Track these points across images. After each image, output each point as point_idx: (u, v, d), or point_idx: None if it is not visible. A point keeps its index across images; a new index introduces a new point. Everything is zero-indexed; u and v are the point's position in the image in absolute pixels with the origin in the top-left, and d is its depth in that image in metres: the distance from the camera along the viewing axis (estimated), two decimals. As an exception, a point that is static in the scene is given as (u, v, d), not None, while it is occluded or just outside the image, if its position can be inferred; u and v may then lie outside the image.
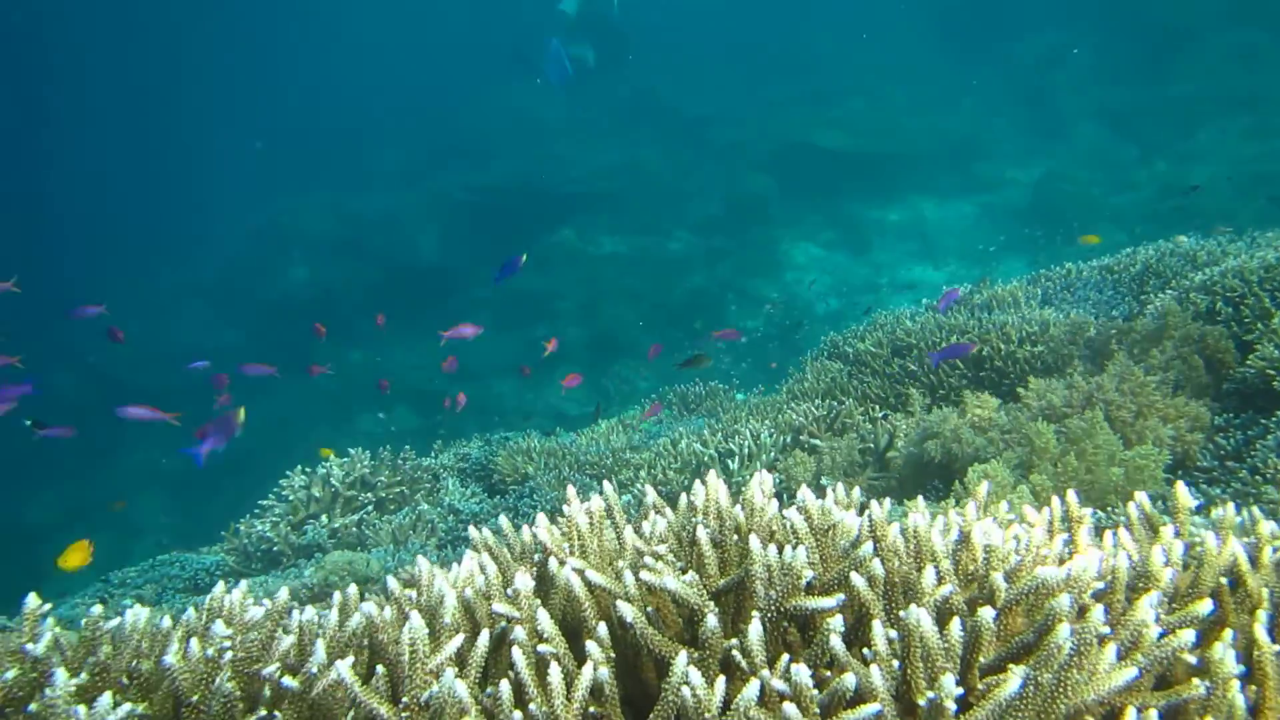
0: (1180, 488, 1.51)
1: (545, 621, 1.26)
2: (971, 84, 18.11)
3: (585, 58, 15.54)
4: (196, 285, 16.38)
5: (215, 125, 24.13)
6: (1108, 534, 1.40)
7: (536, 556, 1.48)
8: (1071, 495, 1.45)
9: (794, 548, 1.23)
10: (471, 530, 1.54)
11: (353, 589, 1.45)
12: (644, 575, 1.27)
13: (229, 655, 1.29)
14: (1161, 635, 1.17)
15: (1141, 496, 1.51)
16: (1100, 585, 1.25)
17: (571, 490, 1.48)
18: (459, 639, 1.24)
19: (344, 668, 1.17)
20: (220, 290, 15.95)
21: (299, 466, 3.88)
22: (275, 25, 27.86)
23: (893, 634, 1.17)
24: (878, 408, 3.77)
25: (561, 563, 1.37)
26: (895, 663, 1.13)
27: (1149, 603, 1.16)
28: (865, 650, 1.19)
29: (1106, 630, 1.11)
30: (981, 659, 1.15)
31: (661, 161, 16.55)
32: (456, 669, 1.19)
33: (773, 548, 1.26)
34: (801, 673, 1.11)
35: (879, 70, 18.96)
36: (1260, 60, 16.58)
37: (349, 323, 14.95)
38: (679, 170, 16.60)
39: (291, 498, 3.60)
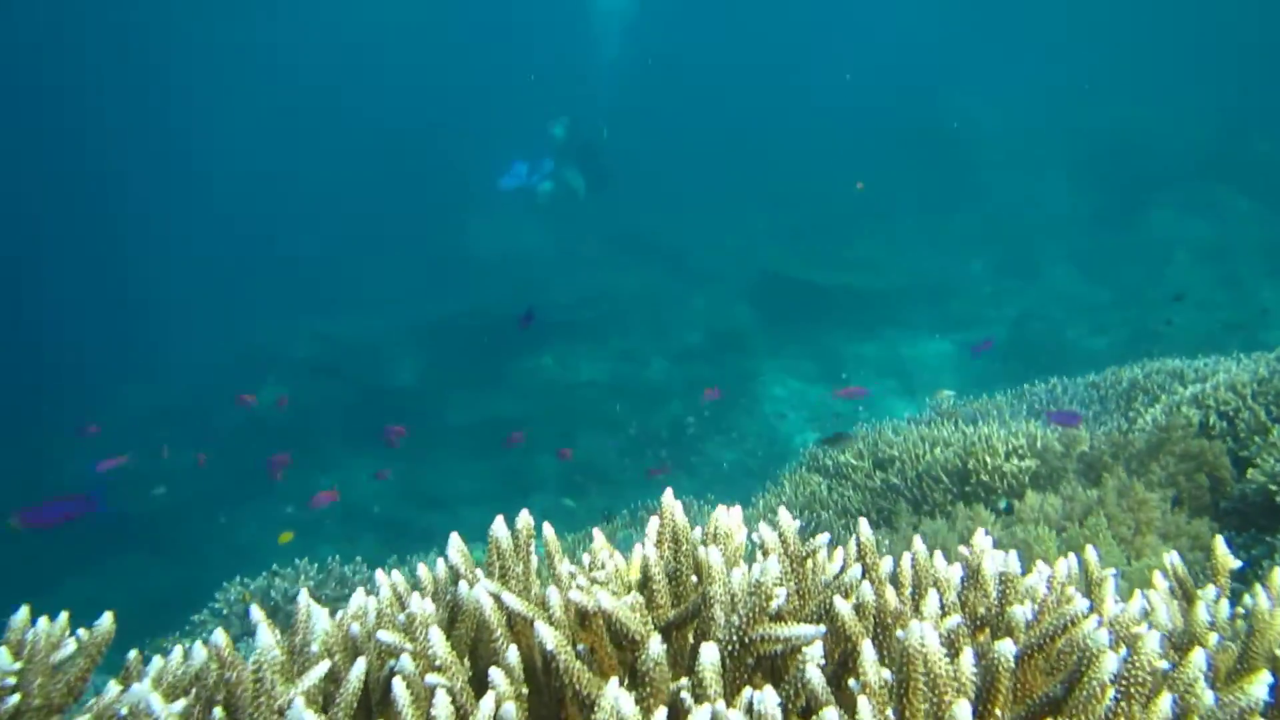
0: (1220, 544, 1.28)
1: (438, 645, 1.01)
2: (947, 223, 18.61)
3: (575, 184, 15.84)
4: (165, 409, 16.07)
5: (195, 246, 24.35)
6: (1136, 594, 1.17)
7: (449, 591, 1.24)
8: (1091, 552, 1.22)
9: (764, 559, 1.00)
10: (378, 574, 1.31)
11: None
12: (573, 595, 1.03)
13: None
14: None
15: (1173, 557, 1.29)
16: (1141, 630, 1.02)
17: (499, 520, 1.26)
18: (322, 667, 0.98)
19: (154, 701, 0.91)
20: (190, 413, 15.63)
21: (237, 578, 3.54)
22: (260, 142, 28.61)
23: (886, 674, 0.92)
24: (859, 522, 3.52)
25: (472, 584, 1.13)
26: (888, 703, 0.87)
27: (1200, 658, 0.92)
28: (851, 681, 0.94)
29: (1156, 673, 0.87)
30: (998, 712, 0.89)
31: (642, 290, 16.70)
32: (316, 706, 0.93)
33: (738, 569, 1.03)
34: (768, 701, 0.85)
35: (859, 206, 19.49)
36: (1226, 212, 17.21)
37: (319, 447, 14.63)
38: (659, 299, 16.73)
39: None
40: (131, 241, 24.87)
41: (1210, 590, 1.18)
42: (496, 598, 1.09)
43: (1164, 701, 0.86)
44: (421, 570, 1.33)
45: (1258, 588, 1.15)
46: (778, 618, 1.03)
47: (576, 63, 28.53)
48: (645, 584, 1.11)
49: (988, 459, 3.46)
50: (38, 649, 1.18)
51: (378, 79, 31.87)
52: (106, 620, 1.16)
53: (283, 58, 30.81)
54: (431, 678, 1.00)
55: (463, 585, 1.13)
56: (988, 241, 17.96)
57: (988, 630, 1.07)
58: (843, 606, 0.99)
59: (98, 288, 22.63)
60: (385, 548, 12.96)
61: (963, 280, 16.76)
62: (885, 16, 30.75)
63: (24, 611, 1.21)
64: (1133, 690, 0.87)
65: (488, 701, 0.92)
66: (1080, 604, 0.98)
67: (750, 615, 1.00)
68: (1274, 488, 2.92)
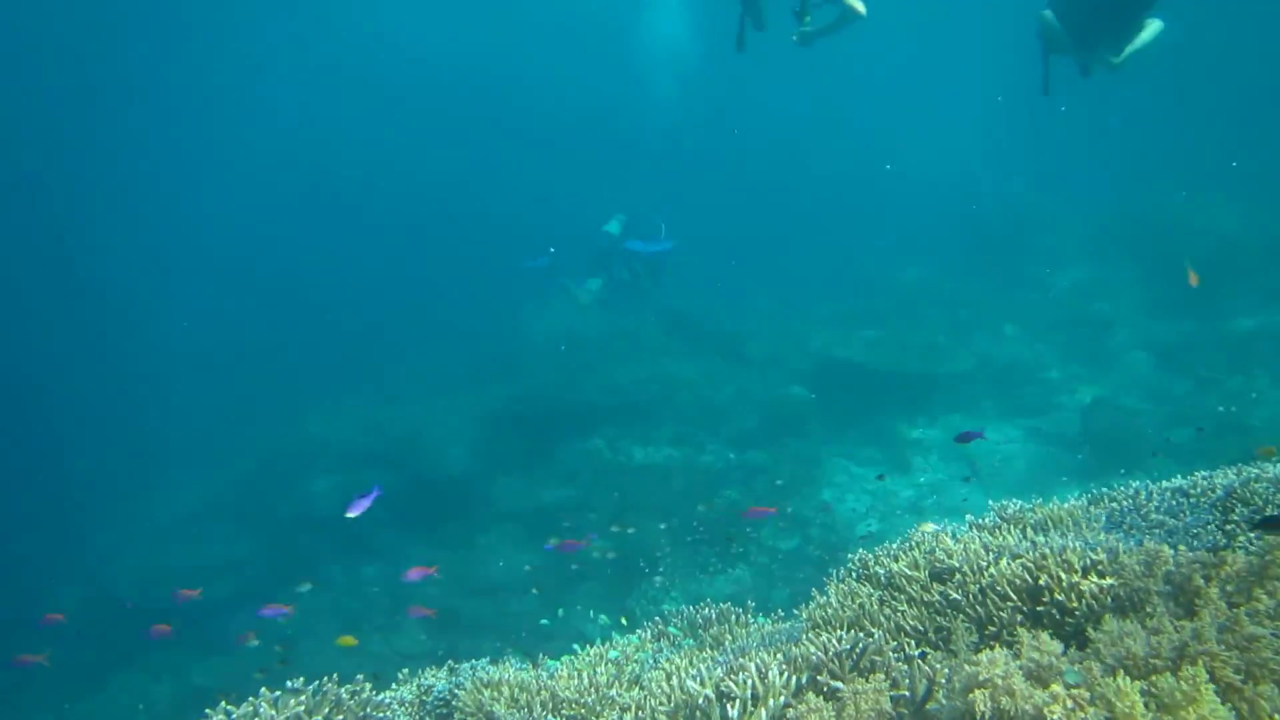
0: None
1: None
2: (1013, 310, 18.08)
3: (625, 278, 15.85)
4: (216, 504, 16.15)
5: (245, 332, 24.87)
6: None
7: None
8: None
9: None
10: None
11: None
12: None
13: None
14: None
15: None
16: None
17: None
18: None
19: None
20: (239, 505, 15.68)
21: (221, 703, 3.29)
22: (314, 226, 29.38)
23: None
24: (913, 643, 3.13)
25: None
26: None
27: None
28: None
29: None
30: None
31: (696, 374, 16.44)
32: None
33: None
34: None
35: (918, 289, 19.09)
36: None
37: (368, 535, 14.47)
38: (714, 383, 16.44)
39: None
40: (182, 322, 25.54)
41: None
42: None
43: None
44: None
45: None
46: None
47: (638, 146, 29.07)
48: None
49: (1062, 574, 3.06)
50: None
51: (435, 162, 32.81)
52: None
53: (341, 133, 31.85)
54: None
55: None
56: (1055, 328, 17.36)
57: None
58: None
59: (150, 373, 23.17)
60: (433, 638, 12.68)
61: (1031, 367, 16.14)
62: (952, 106, 30.75)
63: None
64: None
65: None
66: None
67: None
68: None
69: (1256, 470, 3.72)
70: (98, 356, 24.77)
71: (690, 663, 3.09)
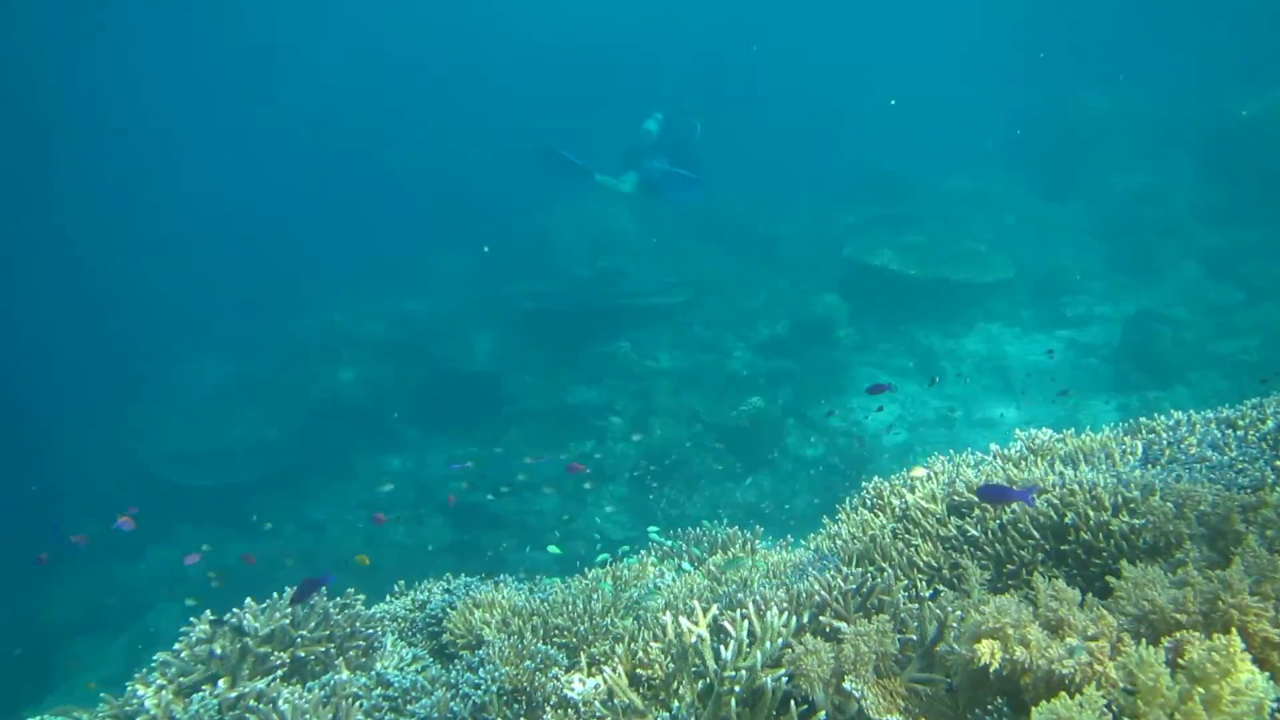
0: None
1: None
2: (1059, 216, 17.38)
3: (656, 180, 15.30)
4: (250, 379, 16.28)
5: (282, 222, 24.78)
6: None
7: None
8: None
9: None
10: None
11: None
12: None
13: None
14: None
15: None
16: None
17: None
18: None
19: None
20: (270, 388, 15.79)
21: (206, 612, 3.21)
22: (344, 123, 28.96)
23: None
24: (925, 582, 2.95)
25: None
26: None
27: None
28: None
29: None
30: None
31: (728, 278, 16.11)
32: None
33: None
34: None
35: (961, 196, 18.42)
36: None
37: (393, 428, 14.58)
38: (745, 287, 16.11)
39: (186, 654, 2.92)
40: (208, 219, 25.50)
41: None
42: None
43: None
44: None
45: None
46: None
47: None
48: None
49: (1090, 512, 2.84)
50: None
51: (470, 64, 32.00)
52: None
53: (375, 43, 31.17)
54: None
55: None
56: (1103, 236, 16.67)
57: None
58: None
59: (180, 259, 23.24)
60: (454, 530, 12.85)
61: (1074, 275, 15.57)
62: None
63: None
64: None
65: None
66: None
67: None
68: None
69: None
70: (137, 239, 24.90)
71: (690, 592, 2.95)
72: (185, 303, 20.49)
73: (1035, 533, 2.89)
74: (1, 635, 11.81)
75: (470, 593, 3.33)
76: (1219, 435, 3.17)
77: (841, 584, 2.64)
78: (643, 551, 4.03)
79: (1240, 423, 3.30)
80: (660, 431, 13.07)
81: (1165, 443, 3.20)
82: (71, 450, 15.41)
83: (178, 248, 24.06)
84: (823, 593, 2.65)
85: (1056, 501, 2.91)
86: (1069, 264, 15.88)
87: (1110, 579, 2.47)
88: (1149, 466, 3.10)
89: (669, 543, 4.07)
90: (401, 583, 3.87)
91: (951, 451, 3.63)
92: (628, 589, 3.32)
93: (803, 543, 3.48)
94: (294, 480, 13.94)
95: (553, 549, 9.02)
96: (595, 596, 3.08)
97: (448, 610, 3.21)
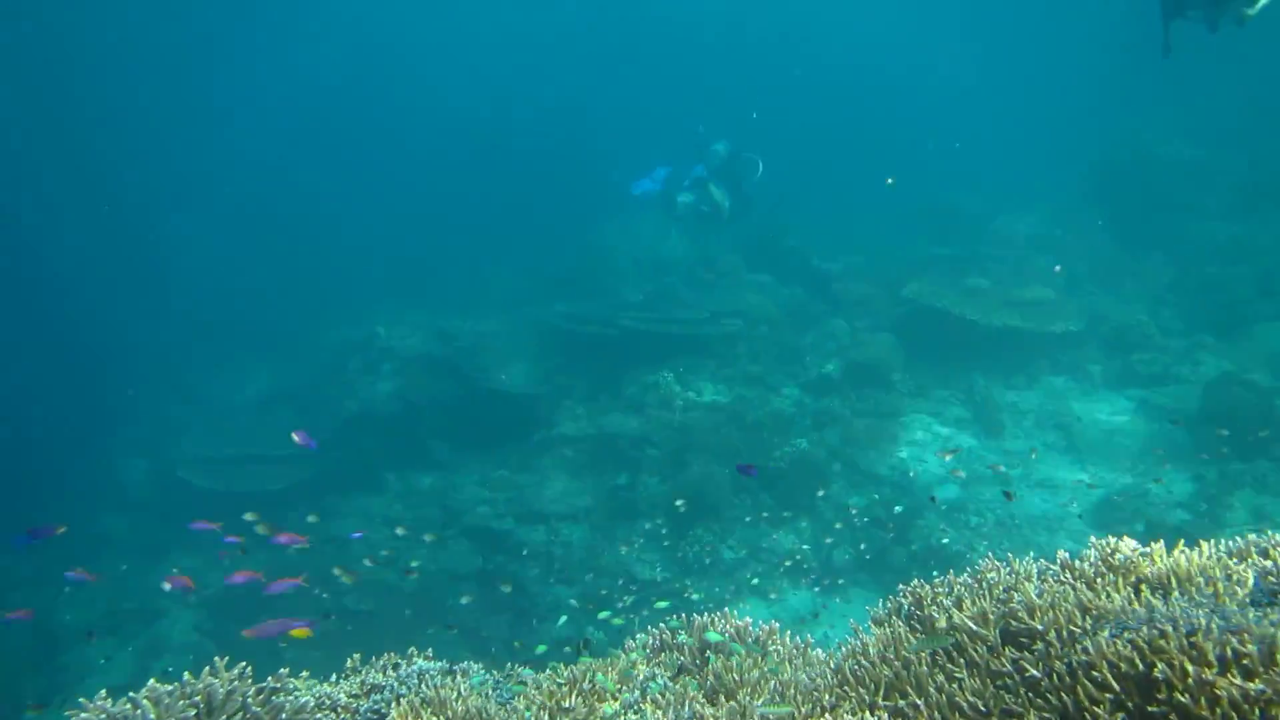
0: None
1: None
2: (1138, 268, 16.43)
3: (722, 202, 14.81)
4: (286, 387, 16.12)
5: (325, 235, 24.83)
6: None
7: None
8: None
9: None
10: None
11: None
12: None
13: None
14: None
15: None
16: None
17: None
18: None
19: None
20: (304, 397, 15.60)
21: (102, 692, 2.74)
22: (398, 130, 29.04)
23: None
24: (968, 735, 2.35)
25: None
26: None
27: None
28: None
29: None
30: None
31: (779, 311, 15.49)
32: None
33: None
34: None
35: (1030, 239, 17.58)
36: None
37: (425, 445, 14.22)
38: (798, 323, 15.48)
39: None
40: (260, 226, 25.66)
41: None
42: None
43: None
44: None
45: None
46: None
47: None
48: None
49: (1188, 665, 2.21)
50: None
51: (524, 82, 31.98)
52: None
53: (431, 56, 31.31)
54: None
55: None
56: (1184, 291, 15.68)
57: None
58: None
59: (233, 262, 23.35)
60: (479, 556, 12.39)
61: (1150, 332, 14.62)
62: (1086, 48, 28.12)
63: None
64: None
65: None
66: None
67: None
68: None
69: None
70: (186, 235, 25.16)
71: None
72: (233, 306, 20.52)
73: (1115, 683, 2.28)
74: (16, 634, 11.64)
75: (423, 685, 2.82)
76: (1358, 570, 2.51)
77: (859, 740, 2.06)
78: (630, 642, 3.46)
79: (1381, 553, 2.64)
80: (698, 468, 12.49)
81: (1285, 574, 2.55)
82: (103, 445, 15.36)
83: (230, 250, 24.22)
84: (834, 751, 2.07)
85: (1144, 645, 2.30)
86: (1145, 318, 14.94)
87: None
88: (1264, 608, 2.46)
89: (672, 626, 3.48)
90: (357, 656, 3.38)
91: (1010, 555, 3.01)
92: (610, 696, 2.77)
93: (834, 632, 2.89)
94: (320, 492, 13.65)
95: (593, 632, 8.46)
96: (567, 703, 2.55)
97: (392, 706, 2.71)
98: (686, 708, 2.50)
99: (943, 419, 13.40)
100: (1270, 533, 2.89)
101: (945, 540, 11.05)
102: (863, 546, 11.19)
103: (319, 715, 2.75)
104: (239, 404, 15.96)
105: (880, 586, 10.87)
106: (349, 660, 3.37)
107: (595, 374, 14.45)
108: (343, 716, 2.81)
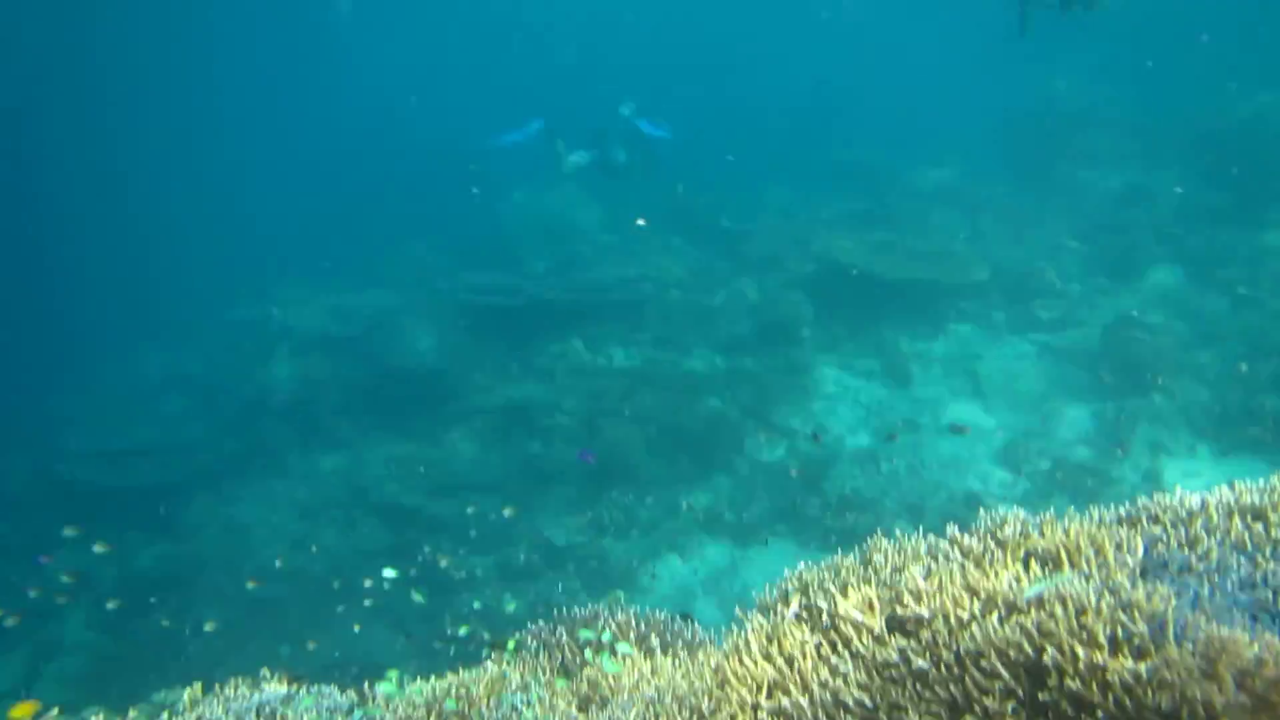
0: None
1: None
2: (1039, 215, 16.68)
3: (619, 160, 14.51)
4: (178, 372, 15.36)
5: (213, 211, 23.73)
6: None
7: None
8: None
9: None
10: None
11: None
12: None
13: None
14: None
15: None
16: None
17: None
18: None
19: None
20: (198, 382, 14.88)
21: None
22: (288, 104, 27.86)
23: None
24: (853, 736, 2.19)
25: None
26: None
27: None
28: None
29: None
30: None
31: (688, 272, 15.32)
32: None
33: None
34: None
35: (937, 192, 17.69)
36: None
37: (329, 424, 13.71)
38: (708, 284, 15.32)
39: None
40: (150, 203, 24.40)
41: None
42: None
43: None
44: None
45: None
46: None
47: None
48: None
49: (1078, 649, 2.08)
50: None
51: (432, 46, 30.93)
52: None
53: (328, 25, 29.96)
54: None
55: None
56: (1082, 236, 16.01)
57: None
58: None
59: (117, 248, 22.12)
60: (390, 533, 11.99)
61: (1050, 277, 14.90)
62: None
63: None
64: None
65: None
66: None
67: None
68: None
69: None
70: (75, 219, 23.73)
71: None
72: (122, 290, 19.43)
73: (1004, 671, 2.13)
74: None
75: (264, 706, 2.54)
76: (1250, 534, 2.42)
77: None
78: (522, 638, 3.22)
79: (1270, 514, 2.55)
80: (611, 433, 12.31)
81: (1175, 542, 2.44)
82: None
83: (116, 229, 22.90)
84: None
85: (1032, 629, 2.15)
86: (1045, 265, 15.21)
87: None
88: (1154, 581, 2.34)
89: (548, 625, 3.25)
90: (198, 686, 3.07)
91: (899, 533, 2.85)
92: (477, 709, 2.54)
93: (753, 581, 2.70)
94: (220, 480, 13.06)
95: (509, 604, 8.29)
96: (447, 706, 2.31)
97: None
98: (556, 723, 2.29)
99: (854, 371, 13.47)
100: (1163, 498, 2.80)
101: (858, 486, 11.16)
102: (778, 499, 11.22)
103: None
104: (128, 392, 15.13)
105: (796, 537, 10.93)
106: (187, 692, 3.06)
107: (504, 345, 14.10)
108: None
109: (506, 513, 10.32)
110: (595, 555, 10.53)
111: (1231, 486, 2.82)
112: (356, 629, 9.45)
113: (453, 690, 2.59)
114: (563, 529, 11.53)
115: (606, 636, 3.04)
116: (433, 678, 2.89)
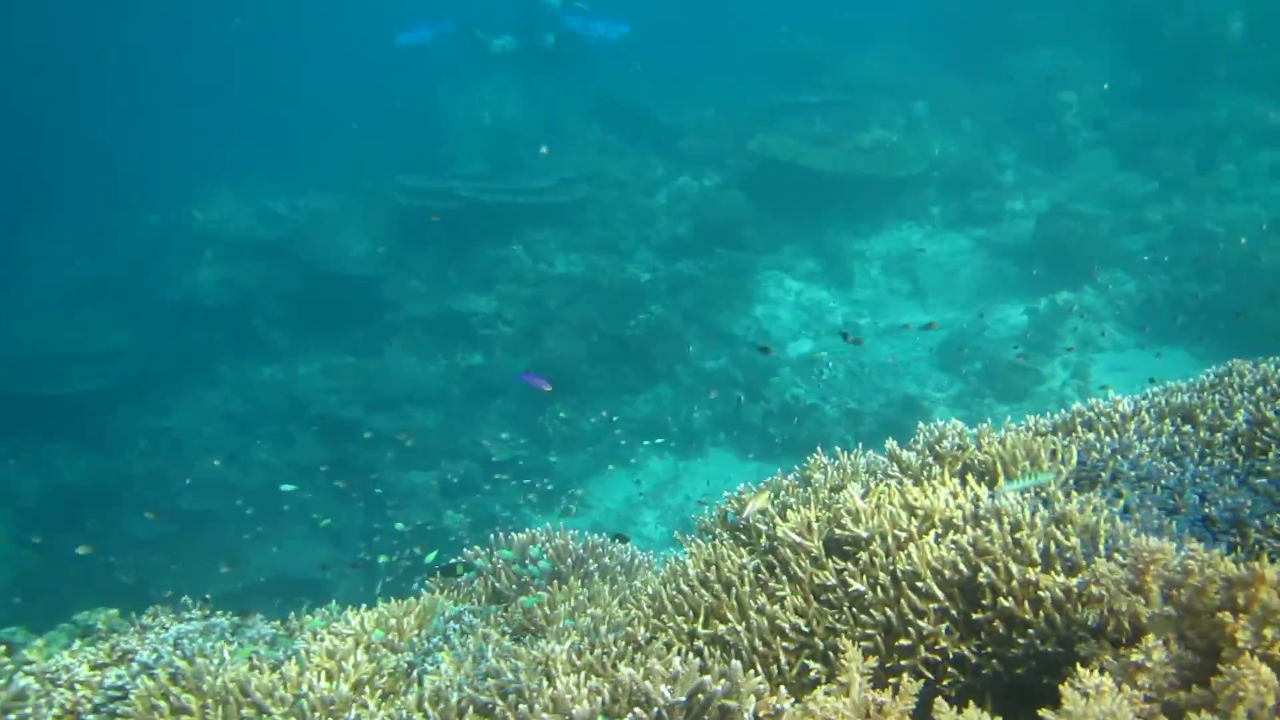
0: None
1: None
2: (972, 102, 16.55)
3: (546, 46, 14.02)
4: (97, 278, 14.73)
5: (141, 104, 22.43)
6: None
7: None
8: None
9: None
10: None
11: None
12: None
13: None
14: None
15: None
16: None
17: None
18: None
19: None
20: (120, 288, 14.29)
21: None
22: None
23: None
24: (792, 662, 2.18)
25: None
26: None
27: None
28: None
29: None
30: None
31: (628, 172, 14.97)
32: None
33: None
34: None
35: (874, 80, 17.39)
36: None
37: (264, 334, 13.36)
38: (648, 184, 15.03)
39: None
40: (67, 100, 22.93)
41: None
42: None
43: None
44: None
45: None
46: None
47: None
48: None
49: (1012, 566, 2.08)
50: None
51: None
52: None
53: None
54: None
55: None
56: (1015, 122, 15.97)
57: None
58: None
59: (33, 146, 20.82)
60: (328, 448, 11.78)
61: (986, 168, 14.91)
62: None
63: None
64: None
65: None
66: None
67: None
68: None
69: (1277, 371, 2.71)
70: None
71: (466, 671, 2.12)
72: (34, 187, 18.37)
73: (939, 592, 2.13)
74: None
75: (180, 648, 2.45)
76: (1176, 441, 2.43)
77: (664, 696, 1.84)
78: (451, 569, 3.16)
79: (1200, 415, 2.57)
80: (553, 344, 12.18)
81: (1108, 449, 2.44)
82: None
83: (30, 126, 21.48)
84: (639, 713, 1.84)
85: (968, 547, 2.15)
86: (982, 155, 15.20)
87: (1062, 688, 1.72)
88: (1087, 490, 2.35)
89: (480, 562, 3.19)
90: (113, 613, 2.95)
91: (839, 450, 2.82)
92: (409, 640, 2.49)
93: (694, 492, 2.67)
94: (147, 390, 12.67)
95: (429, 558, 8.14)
96: (351, 661, 2.25)
97: (140, 680, 2.33)
98: (488, 655, 2.25)
99: (795, 274, 13.46)
100: (1098, 402, 2.80)
101: (799, 392, 11.23)
102: (719, 408, 11.26)
103: (41, 703, 2.33)
104: (45, 298, 14.50)
105: (737, 445, 11.04)
106: (102, 619, 2.94)
107: (441, 250, 13.74)
108: (80, 694, 2.41)
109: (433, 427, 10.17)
110: (539, 470, 10.49)
111: (1164, 387, 2.83)
112: (276, 551, 9.38)
113: (381, 620, 2.53)
114: (505, 443, 11.46)
115: (545, 564, 2.99)
116: (363, 607, 2.83)
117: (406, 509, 10.21)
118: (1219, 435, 2.43)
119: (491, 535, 3.32)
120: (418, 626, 2.60)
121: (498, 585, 3.06)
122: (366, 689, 2.25)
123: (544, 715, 1.88)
